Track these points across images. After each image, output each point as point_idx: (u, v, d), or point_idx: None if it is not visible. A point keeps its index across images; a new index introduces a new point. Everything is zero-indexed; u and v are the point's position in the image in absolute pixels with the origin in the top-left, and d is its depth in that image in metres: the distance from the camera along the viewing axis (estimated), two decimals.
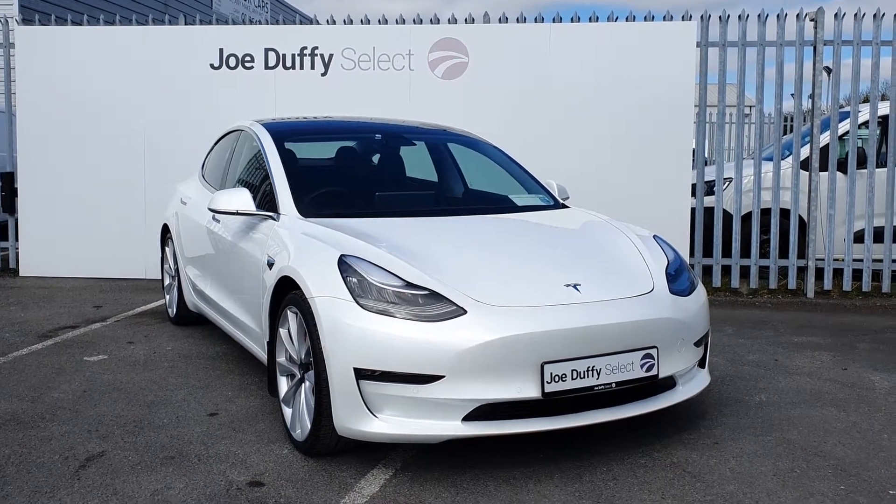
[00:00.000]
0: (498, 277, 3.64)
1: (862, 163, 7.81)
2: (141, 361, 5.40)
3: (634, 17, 7.95)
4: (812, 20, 7.67)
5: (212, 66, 8.24)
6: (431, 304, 3.42)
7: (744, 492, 3.36)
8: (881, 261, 7.73)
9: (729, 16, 7.70)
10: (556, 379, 3.34)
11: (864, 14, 7.53)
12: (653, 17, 7.88)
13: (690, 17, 7.81)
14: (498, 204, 4.87)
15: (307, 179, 4.71)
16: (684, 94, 7.78)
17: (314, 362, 3.55)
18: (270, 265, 4.11)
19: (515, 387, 3.33)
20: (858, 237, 7.85)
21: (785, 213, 7.92)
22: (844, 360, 5.42)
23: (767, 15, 7.66)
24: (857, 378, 4.98)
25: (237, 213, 4.46)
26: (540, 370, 3.33)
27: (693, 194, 7.89)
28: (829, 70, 8.91)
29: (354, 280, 3.52)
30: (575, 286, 3.60)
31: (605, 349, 3.44)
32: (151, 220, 8.24)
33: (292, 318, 3.83)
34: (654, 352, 3.56)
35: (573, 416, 3.45)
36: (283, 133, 5.01)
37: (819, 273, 7.88)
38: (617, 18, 7.92)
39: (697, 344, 3.89)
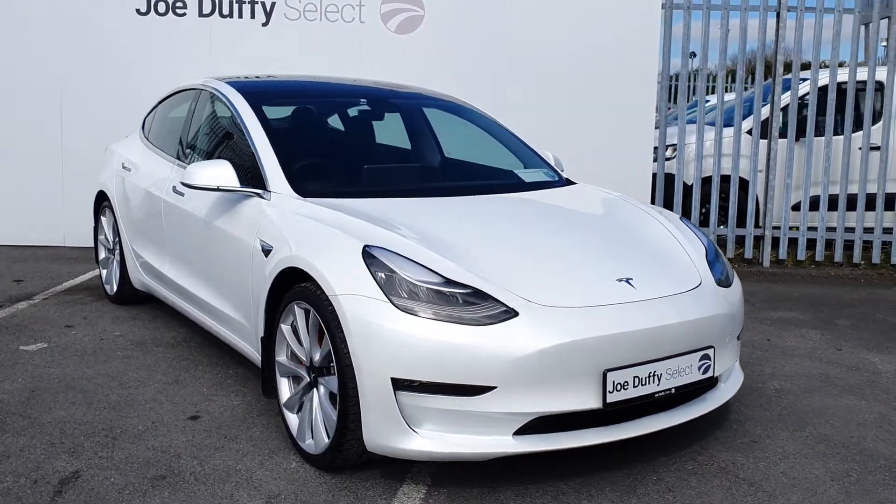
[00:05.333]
0: (542, 272, 3.26)
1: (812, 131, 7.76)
2: (89, 350, 4.77)
3: None
4: None
5: (138, 11, 7.43)
6: (476, 305, 3.01)
7: (810, 502, 3.15)
8: (835, 230, 7.77)
9: None
10: (619, 387, 3.02)
11: None
12: None
13: None
14: (506, 181, 4.44)
15: (297, 151, 4.15)
16: (648, 56, 7.51)
17: (337, 368, 3.09)
18: (266, 251, 3.60)
19: (574, 397, 2.98)
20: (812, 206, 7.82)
21: (742, 183, 7.82)
22: (834, 339, 5.34)
23: None
24: (856, 360, 4.89)
25: (218, 190, 3.90)
26: (602, 378, 2.99)
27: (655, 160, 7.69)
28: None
29: (384, 275, 3.07)
30: (627, 280, 3.27)
31: (666, 352, 3.13)
32: (71, 182, 7.49)
33: (300, 315, 3.35)
34: (710, 352, 3.28)
35: (630, 424, 3.14)
36: (257, 95, 4.43)
37: (773, 242, 7.86)
38: None
39: (738, 338, 3.65)
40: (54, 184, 7.57)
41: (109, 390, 4.17)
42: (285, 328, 3.47)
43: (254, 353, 3.86)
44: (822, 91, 7.78)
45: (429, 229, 3.42)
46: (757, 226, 7.82)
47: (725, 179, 7.81)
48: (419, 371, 2.94)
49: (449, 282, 3.05)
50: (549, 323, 2.98)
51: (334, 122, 4.61)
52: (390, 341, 2.95)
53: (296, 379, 3.52)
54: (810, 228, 7.76)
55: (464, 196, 3.98)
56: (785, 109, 7.85)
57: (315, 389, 3.34)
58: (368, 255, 3.13)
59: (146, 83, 7.18)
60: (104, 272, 5.88)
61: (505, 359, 2.91)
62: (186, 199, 4.46)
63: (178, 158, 4.80)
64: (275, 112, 4.42)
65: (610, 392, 3.00)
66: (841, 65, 7.91)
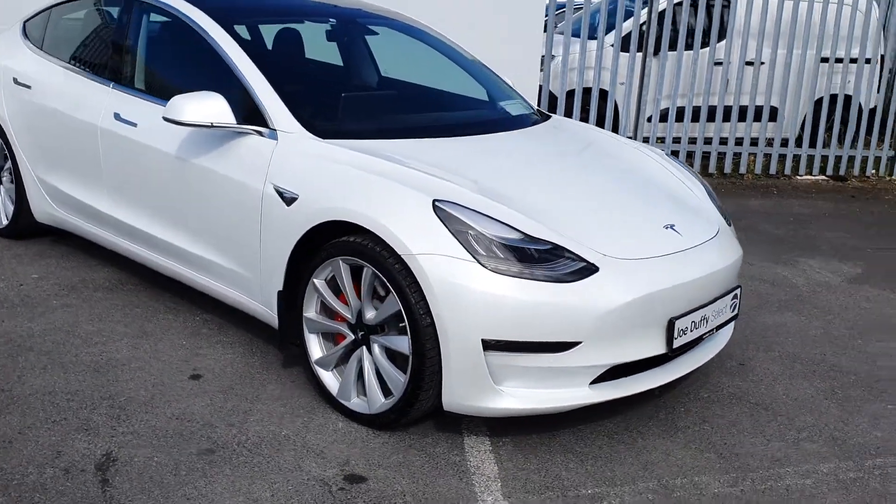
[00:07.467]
0: (601, 222, 3.27)
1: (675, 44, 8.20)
2: (15, 300, 4.21)
3: None
4: None
5: None
6: (554, 261, 2.99)
7: (825, 423, 3.50)
8: (695, 141, 8.36)
9: None
10: (681, 333, 3.16)
11: None
12: None
13: None
14: (502, 115, 4.29)
15: (295, 83, 3.77)
16: None
17: (411, 329, 2.96)
18: (288, 199, 3.32)
19: (647, 346, 3.10)
20: (664, 117, 8.31)
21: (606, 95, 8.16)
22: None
23: None
24: (771, 275, 5.40)
25: (212, 127, 3.50)
26: (668, 326, 3.11)
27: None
28: None
29: (461, 233, 2.96)
30: (672, 227, 3.37)
31: (713, 296, 3.31)
32: None
33: (345, 270, 3.16)
34: (738, 291, 3.50)
35: (679, 362, 3.30)
36: (221, 11, 3.94)
37: None
38: None
39: None
40: None
41: (76, 349, 3.74)
42: (319, 283, 3.26)
43: (258, 307, 3.60)
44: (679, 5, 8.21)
45: (480, 177, 3.30)
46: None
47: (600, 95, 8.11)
48: (509, 331, 2.91)
49: (528, 238, 3.00)
50: (628, 277, 3.04)
51: (316, 46, 4.21)
52: (480, 303, 2.88)
53: (326, 336, 3.35)
54: (675, 140, 8.30)
55: (479, 135, 3.82)
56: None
57: (364, 348, 3.20)
58: (440, 210, 2.99)
59: None
60: None
61: (593, 314, 2.94)
62: (141, 131, 3.97)
63: (115, 82, 4.21)
64: (245, 33, 3.97)
65: (675, 338, 3.14)
66: None
